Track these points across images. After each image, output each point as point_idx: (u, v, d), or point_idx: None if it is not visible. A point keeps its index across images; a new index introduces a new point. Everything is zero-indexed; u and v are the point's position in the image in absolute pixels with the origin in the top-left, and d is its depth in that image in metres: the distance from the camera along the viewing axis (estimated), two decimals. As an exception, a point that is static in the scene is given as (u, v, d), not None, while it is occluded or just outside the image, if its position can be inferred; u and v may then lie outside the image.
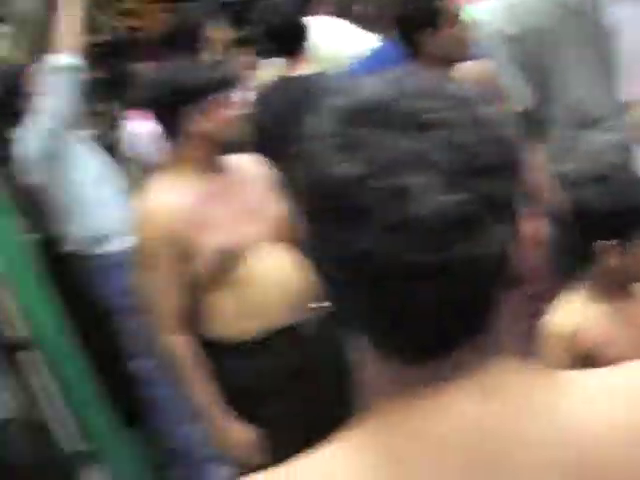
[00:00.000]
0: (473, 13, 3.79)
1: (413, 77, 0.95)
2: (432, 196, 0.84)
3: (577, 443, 0.89)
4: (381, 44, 3.71)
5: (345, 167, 0.86)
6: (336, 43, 4.21)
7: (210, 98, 2.78)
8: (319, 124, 0.92)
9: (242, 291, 2.80)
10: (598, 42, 3.53)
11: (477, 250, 0.86)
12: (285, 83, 3.91)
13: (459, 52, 3.04)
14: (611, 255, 2.27)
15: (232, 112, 2.84)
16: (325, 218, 0.88)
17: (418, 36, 3.10)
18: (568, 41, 3.48)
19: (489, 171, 0.87)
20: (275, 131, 3.84)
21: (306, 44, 3.90)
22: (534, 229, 0.92)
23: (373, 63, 3.44)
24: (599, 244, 2.26)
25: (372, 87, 0.93)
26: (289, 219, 2.92)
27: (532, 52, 3.48)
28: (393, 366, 0.92)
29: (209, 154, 2.84)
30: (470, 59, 3.11)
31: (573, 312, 2.35)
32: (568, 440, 0.89)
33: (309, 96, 3.71)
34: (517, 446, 0.89)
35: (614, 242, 2.25)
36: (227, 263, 2.78)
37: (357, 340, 0.94)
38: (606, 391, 0.93)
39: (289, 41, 3.90)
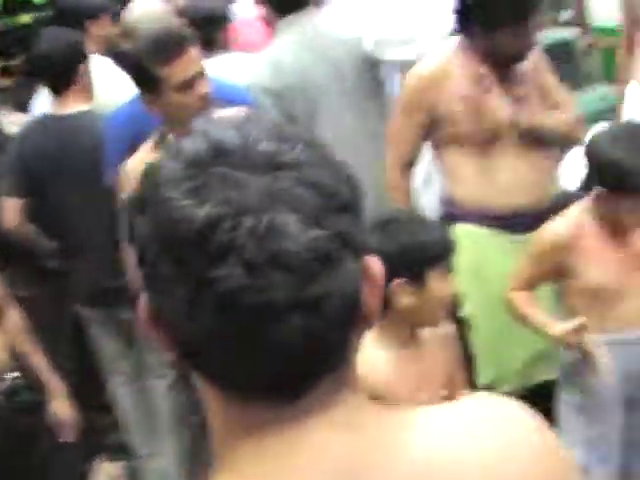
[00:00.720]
0: (242, 65, 3.89)
1: (257, 121, 0.96)
2: (294, 234, 0.85)
3: (428, 477, 0.92)
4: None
5: (205, 209, 0.86)
6: (115, 84, 4.05)
7: None
8: (167, 169, 0.91)
9: None
10: (371, 98, 3.74)
11: (337, 287, 0.88)
12: (51, 121, 3.79)
13: (187, 116, 2.87)
14: (403, 295, 2.31)
15: None
16: (183, 261, 0.87)
17: (145, 98, 3.03)
18: (332, 100, 3.64)
19: (344, 209, 0.90)
20: (37, 169, 3.72)
21: (79, 82, 3.76)
22: (376, 267, 0.95)
23: (133, 107, 3.37)
24: (390, 285, 2.28)
25: (220, 131, 0.92)
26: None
27: (292, 108, 3.60)
28: (249, 408, 0.92)
29: None
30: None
31: (363, 356, 2.39)
32: (419, 473, 0.92)
33: (75, 136, 3.67)
34: (370, 478, 0.91)
35: (404, 281, 2.30)
36: None
37: (205, 386, 0.94)
38: (451, 427, 0.97)
39: (59, 76, 3.76)
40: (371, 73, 3.78)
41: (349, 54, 3.71)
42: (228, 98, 3.10)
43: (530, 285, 2.98)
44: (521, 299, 2.96)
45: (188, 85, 2.92)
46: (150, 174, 0.93)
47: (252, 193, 0.87)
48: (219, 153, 0.90)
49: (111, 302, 3.64)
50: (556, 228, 2.91)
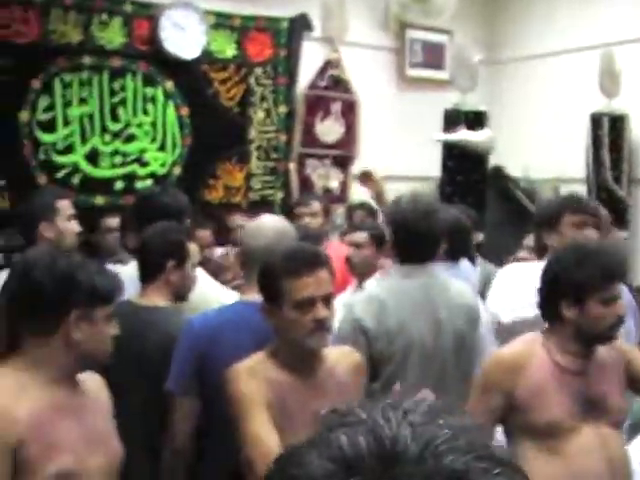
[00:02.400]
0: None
1: (444, 417, 0.79)
2: None
3: None
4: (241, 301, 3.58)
5: None
6: (207, 290, 4.10)
7: (81, 309, 2.55)
8: (314, 466, 0.74)
9: None
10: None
11: None
12: (125, 306, 3.67)
13: (299, 335, 2.89)
14: None
15: (101, 329, 2.62)
16: None
17: (265, 307, 2.97)
18: (419, 347, 3.68)
19: None
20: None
21: (163, 278, 3.75)
22: None
23: (212, 319, 3.44)
24: None
25: (392, 426, 0.76)
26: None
27: (382, 349, 3.63)
28: None
29: (71, 364, 2.59)
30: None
31: None
32: None
33: (143, 329, 3.63)
34: None
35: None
36: None
37: None
38: None
39: (145, 266, 3.80)
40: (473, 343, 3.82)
41: (456, 316, 3.78)
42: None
43: None
44: None
45: (307, 305, 2.86)
46: (289, 464, 0.77)
47: None
48: (388, 458, 0.73)
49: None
50: None
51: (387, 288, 3.80)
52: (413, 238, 3.74)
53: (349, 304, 3.78)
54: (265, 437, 2.76)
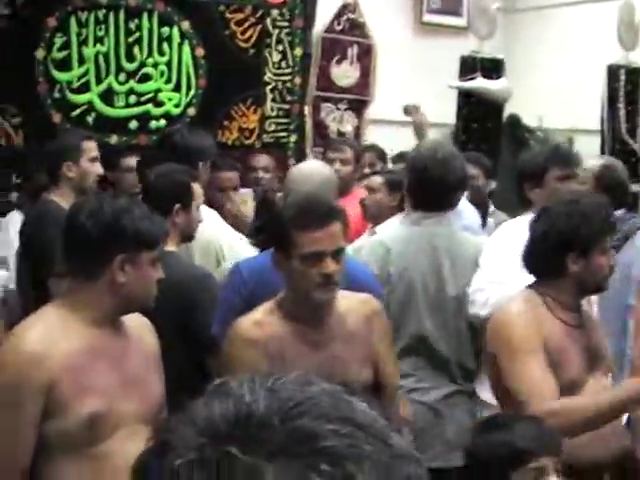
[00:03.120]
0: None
1: (316, 387, 0.80)
2: None
3: None
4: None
5: None
6: (213, 230, 4.13)
7: (126, 253, 2.60)
8: (179, 434, 0.78)
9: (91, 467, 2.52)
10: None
11: None
12: None
13: (305, 289, 2.86)
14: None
15: (146, 273, 2.66)
16: None
17: (274, 256, 2.95)
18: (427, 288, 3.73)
19: None
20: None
21: (169, 221, 3.64)
22: None
23: (257, 263, 3.42)
24: None
25: (253, 393, 0.79)
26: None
27: (392, 291, 3.69)
28: None
29: (114, 307, 2.64)
30: None
31: None
32: None
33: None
34: None
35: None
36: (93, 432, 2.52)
37: None
38: None
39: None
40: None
41: (462, 266, 3.78)
42: (358, 281, 3.11)
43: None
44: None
45: (315, 259, 2.80)
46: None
47: None
48: (240, 422, 0.76)
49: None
50: None
51: (395, 235, 3.83)
52: (429, 185, 3.75)
53: (357, 248, 3.82)
54: None
